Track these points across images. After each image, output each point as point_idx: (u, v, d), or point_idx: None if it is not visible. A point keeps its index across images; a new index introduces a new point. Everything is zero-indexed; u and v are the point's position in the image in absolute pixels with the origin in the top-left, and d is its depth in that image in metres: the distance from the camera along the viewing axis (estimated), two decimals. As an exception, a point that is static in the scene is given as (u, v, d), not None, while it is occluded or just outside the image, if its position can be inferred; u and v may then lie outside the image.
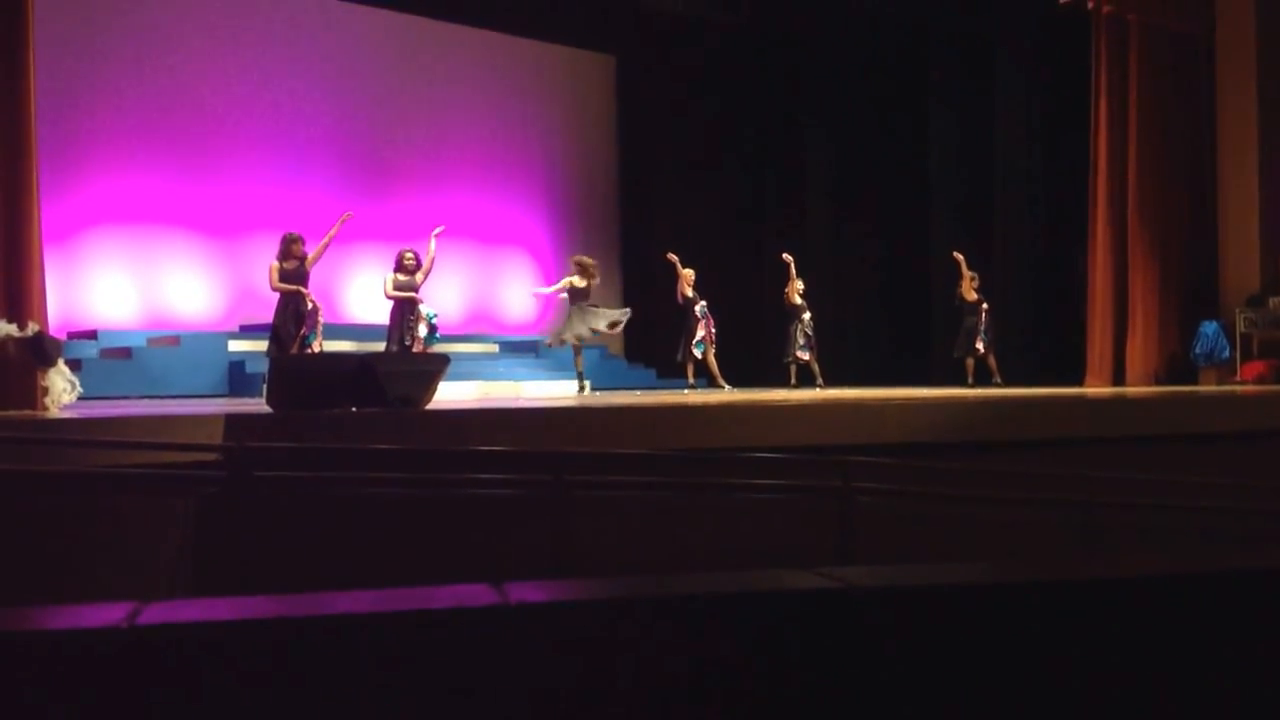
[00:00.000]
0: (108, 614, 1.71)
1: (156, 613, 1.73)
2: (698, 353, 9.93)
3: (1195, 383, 10.10)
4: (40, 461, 4.47)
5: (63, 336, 8.50)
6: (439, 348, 8.59)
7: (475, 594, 1.81)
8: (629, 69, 13.97)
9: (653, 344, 11.96)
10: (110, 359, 9.35)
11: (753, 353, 12.17)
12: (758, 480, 4.98)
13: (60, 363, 6.15)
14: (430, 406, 5.98)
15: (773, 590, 1.81)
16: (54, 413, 5.91)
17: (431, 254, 8.49)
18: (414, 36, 12.19)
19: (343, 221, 7.92)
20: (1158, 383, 10.12)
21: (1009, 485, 5.40)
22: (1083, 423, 6.69)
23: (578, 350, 9.41)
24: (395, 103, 12.15)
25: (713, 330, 10.02)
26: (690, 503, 4.95)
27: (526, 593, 1.80)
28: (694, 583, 1.89)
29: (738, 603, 1.77)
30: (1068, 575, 1.97)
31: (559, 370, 11.43)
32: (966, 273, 10.28)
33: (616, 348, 12.66)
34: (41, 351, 5.98)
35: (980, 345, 10.20)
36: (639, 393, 10.55)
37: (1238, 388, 9.49)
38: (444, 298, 11.63)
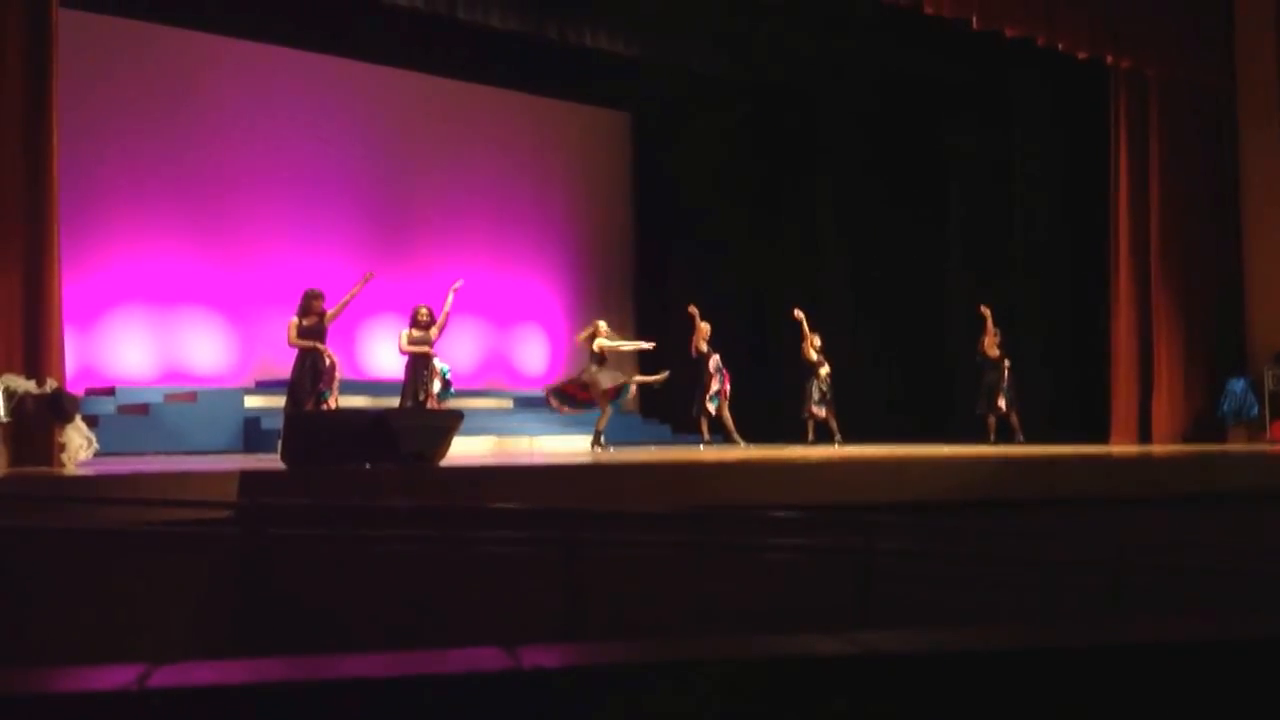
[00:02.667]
0: (117, 676, 1.69)
1: (167, 675, 1.70)
2: (711, 407, 9.89)
3: (1224, 441, 9.95)
4: (56, 519, 4.47)
5: (80, 392, 8.55)
6: (453, 402, 8.59)
7: (488, 658, 1.77)
8: (645, 127, 14.15)
9: (667, 399, 11.94)
10: (128, 415, 9.39)
11: (769, 408, 12.11)
12: (776, 540, 4.92)
13: (78, 419, 6.19)
14: (444, 462, 5.96)
15: (793, 656, 1.77)
16: (71, 469, 5.92)
17: (447, 309, 8.53)
18: (429, 95, 12.39)
19: (365, 282, 7.95)
20: (1185, 441, 9.97)
21: (1032, 546, 5.31)
22: (1108, 482, 6.58)
23: (605, 408, 9.38)
24: (411, 160, 12.33)
25: (727, 386, 9.99)
26: (706, 562, 4.88)
27: (540, 657, 1.77)
28: (711, 647, 1.84)
29: (757, 669, 1.73)
30: (1095, 640, 1.92)
31: (573, 425, 11.39)
32: (992, 328, 10.22)
33: (631, 403, 12.63)
34: (59, 408, 6.03)
35: (1002, 402, 10.10)
36: (653, 448, 10.50)
37: (1267, 446, 9.35)
38: (459, 352, 11.66)
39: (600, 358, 9.32)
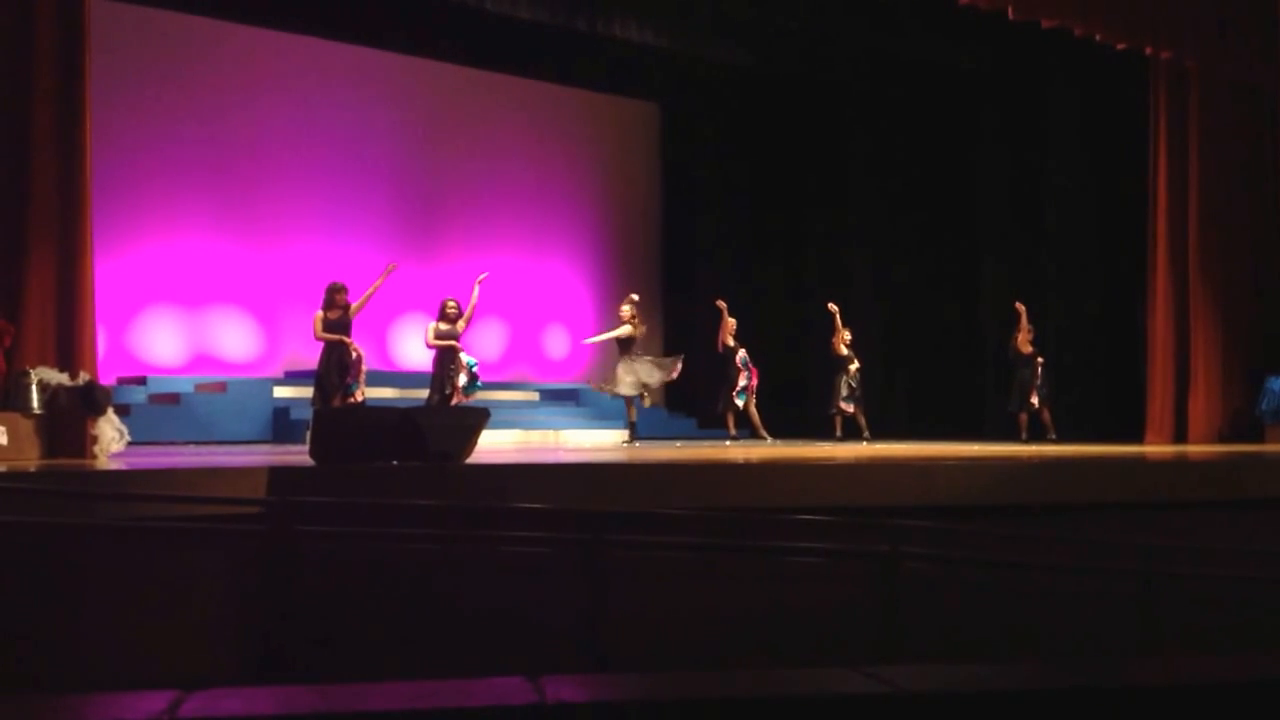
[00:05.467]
0: (149, 703, 1.69)
1: (198, 704, 1.71)
2: (739, 402, 9.85)
3: (1262, 441, 9.77)
4: (85, 514, 4.52)
5: (112, 381, 8.65)
6: (479, 396, 8.61)
7: (512, 690, 1.77)
8: (674, 117, 14.07)
9: (693, 393, 11.91)
10: (159, 404, 9.50)
11: (797, 403, 12.05)
12: (801, 543, 4.88)
13: (109, 411, 6.25)
14: (470, 460, 5.97)
15: (819, 695, 1.75)
16: (103, 461, 5.99)
17: (474, 301, 8.54)
18: (458, 86, 12.38)
19: (387, 273, 8.00)
20: (1222, 440, 9.80)
21: (1064, 552, 5.24)
22: (1142, 485, 6.47)
23: (630, 401, 9.39)
24: (439, 151, 12.34)
25: (755, 381, 9.94)
26: (730, 566, 4.86)
27: (564, 690, 1.76)
28: (736, 683, 1.82)
29: (783, 708, 1.71)
30: (1126, 681, 1.88)
31: (599, 419, 11.40)
32: (1025, 325, 10.09)
33: (657, 398, 12.60)
34: (92, 401, 6.09)
35: (1035, 400, 9.98)
36: (679, 444, 10.48)
37: None
38: (485, 345, 11.69)
39: (627, 345, 9.29)
